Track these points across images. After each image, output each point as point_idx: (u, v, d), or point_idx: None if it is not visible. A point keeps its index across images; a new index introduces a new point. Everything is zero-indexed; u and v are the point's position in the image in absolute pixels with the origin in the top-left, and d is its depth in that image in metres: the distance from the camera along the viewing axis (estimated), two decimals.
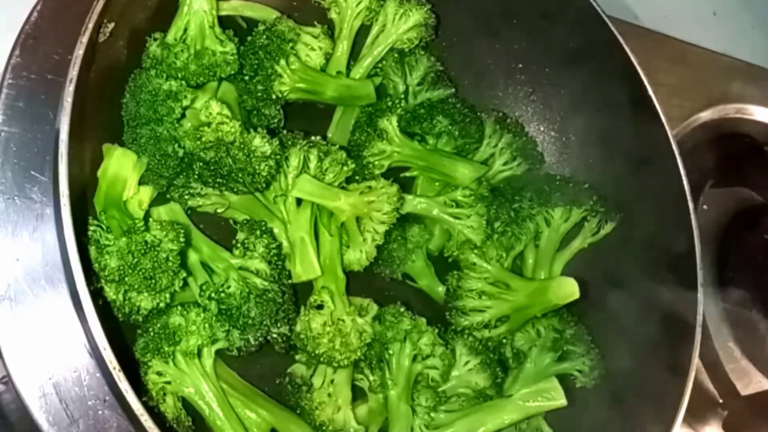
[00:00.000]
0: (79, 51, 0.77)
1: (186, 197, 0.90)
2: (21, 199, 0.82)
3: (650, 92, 0.96)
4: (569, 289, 0.95)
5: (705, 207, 1.28)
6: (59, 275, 0.81)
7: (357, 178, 0.98)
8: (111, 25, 0.84)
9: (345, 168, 0.95)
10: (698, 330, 0.91)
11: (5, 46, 0.87)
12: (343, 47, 1.02)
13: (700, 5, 1.51)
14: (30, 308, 0.80)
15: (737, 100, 1.36)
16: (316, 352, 0.90)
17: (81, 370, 0.79)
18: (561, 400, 0.92)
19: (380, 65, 1.05)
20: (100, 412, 0.78)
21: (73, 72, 0.76)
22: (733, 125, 1.35)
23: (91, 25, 0.79)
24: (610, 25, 0.98)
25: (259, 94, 0.94)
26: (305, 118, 1.01)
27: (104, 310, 0.78)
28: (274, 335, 0.88)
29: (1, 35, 0.89)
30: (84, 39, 0.78)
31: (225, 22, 0.96)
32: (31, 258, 0.81)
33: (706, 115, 1.33)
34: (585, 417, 0.98)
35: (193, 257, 0.88)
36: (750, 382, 1.25)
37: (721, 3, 1.53)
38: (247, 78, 0.95)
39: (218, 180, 0.88)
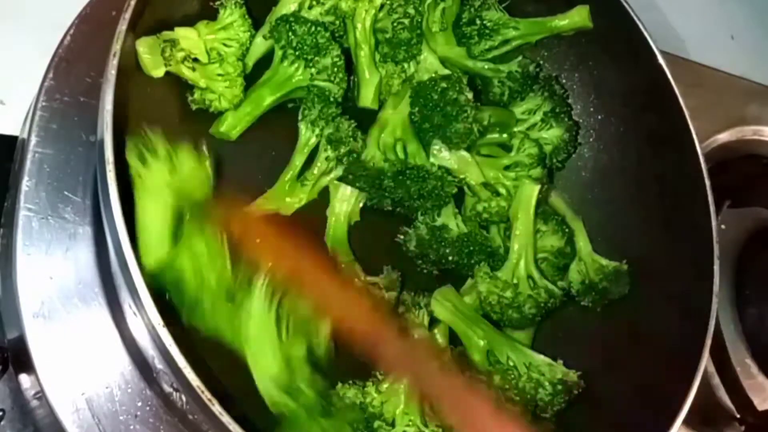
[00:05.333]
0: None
1: None
2: (54, 218, 0.84)
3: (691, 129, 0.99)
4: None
5: (723, 226, 1.28)
6: (92, 293, 0.83)
7: None
8: None
9: None
10: (707, 342, 0.92)
11: (39, 69, 0.89)
12: None
13: (719, 30, 1.53)
14: (63, 325, 0.81)
15: (754, 122, 1.37)
16: None
17: (113, 386, 0.81)
18: None
19: None
20: (131, 427, 0.80)
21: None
22: (750, 146, 1.37)
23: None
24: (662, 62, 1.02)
25: None
26: None
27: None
28: None
29: (35, 59, 0.91)
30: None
31: None
32: (64, 276, 0.83)
33: (723, 137, 1.34)
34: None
35: None
36: (767, 397, 1.25)
37: (739, 27, 1.55)
38: None
39: None
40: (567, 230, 1.05)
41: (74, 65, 0.90)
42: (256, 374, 0.80)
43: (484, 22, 1.06)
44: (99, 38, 0.89)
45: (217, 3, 0.94)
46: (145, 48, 0.85)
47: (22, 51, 1.05)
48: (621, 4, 1.02)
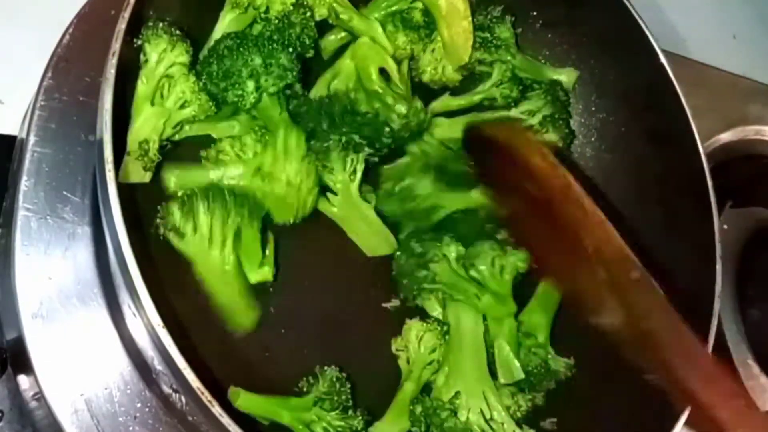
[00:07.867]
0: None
1: None
2: (53, 218, 0.84)
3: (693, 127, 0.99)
4: None
5: (725, 226, 1.28)
6: (91, 293, 0.83)
7: None
8: None
9: None
10: (710, 343, 0.92)
11: (38, 68, 0.89)
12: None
13: (720, 29, 1.53)
14: (62, 326, 0.81)
15: (756, 122, 1.36)
16: None
17: (112, 387, 0.80)
18: None
19: None
20: (130, 428, 0.80)
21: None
22: (752, 146, 1.36)
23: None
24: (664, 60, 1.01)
25: None
26: None
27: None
28: None
29: (33, 58, 0.91)
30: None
31: None
32: (63, 276, 0.83)
33: (725, 137, 1.33)
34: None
35: None
36: None
37: (741, 26, 1.55)
38: None
39: None
40: None
41: (73, 65, 0.90)
42: None
43: (494, 34, 1.06)
44: (98, 38, 0.88)
45: (136, 43, 0.86)
46: (131, 172, 0.84)
47: (22, 50, 1.05)
48: (623, 3, 1.02)
